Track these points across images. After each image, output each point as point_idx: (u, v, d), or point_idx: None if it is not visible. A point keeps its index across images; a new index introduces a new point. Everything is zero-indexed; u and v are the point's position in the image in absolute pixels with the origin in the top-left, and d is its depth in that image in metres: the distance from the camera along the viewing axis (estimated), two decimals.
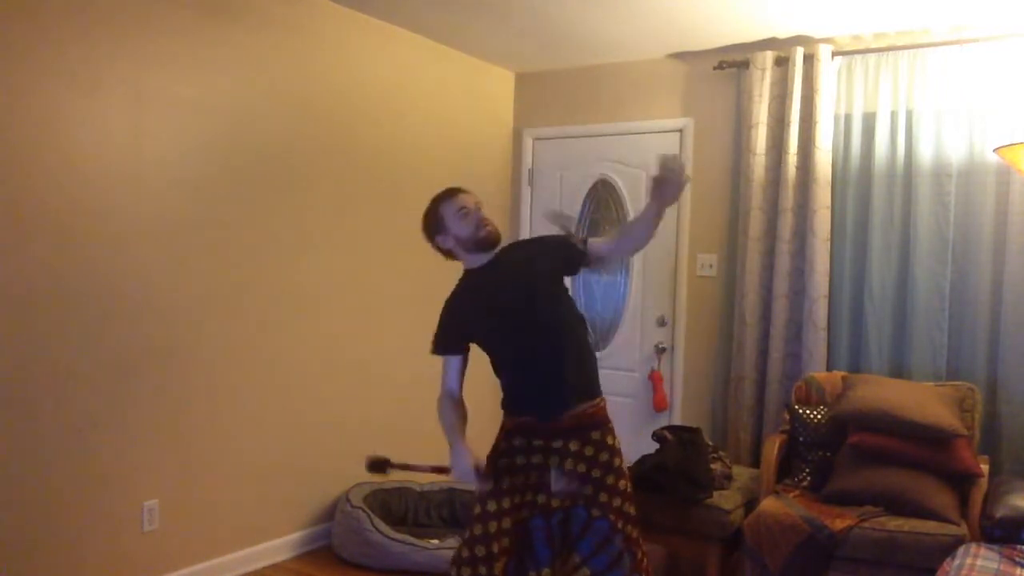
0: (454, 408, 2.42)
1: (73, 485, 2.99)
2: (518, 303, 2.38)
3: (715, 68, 4.36)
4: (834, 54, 4.02)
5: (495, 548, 2.31)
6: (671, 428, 3.75)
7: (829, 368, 4.04)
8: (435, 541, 3.72)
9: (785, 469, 3.64)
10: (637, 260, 4.77)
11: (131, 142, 3.13)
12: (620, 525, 2.38)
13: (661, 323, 4.69)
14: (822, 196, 4.01)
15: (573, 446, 2.37)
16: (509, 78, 5.14)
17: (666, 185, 2.24)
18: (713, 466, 3.56)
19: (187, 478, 3.37)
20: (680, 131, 4.62)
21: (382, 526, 3.68)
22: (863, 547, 2.99)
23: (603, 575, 2.37)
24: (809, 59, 4.06)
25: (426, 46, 4.45)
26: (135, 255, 3.15)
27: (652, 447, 3.71)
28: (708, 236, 4.52)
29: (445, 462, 2.42)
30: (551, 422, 2.37)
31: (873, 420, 3.34)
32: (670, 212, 4.55)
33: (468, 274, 2.49)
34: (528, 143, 5.13)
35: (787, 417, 3.71)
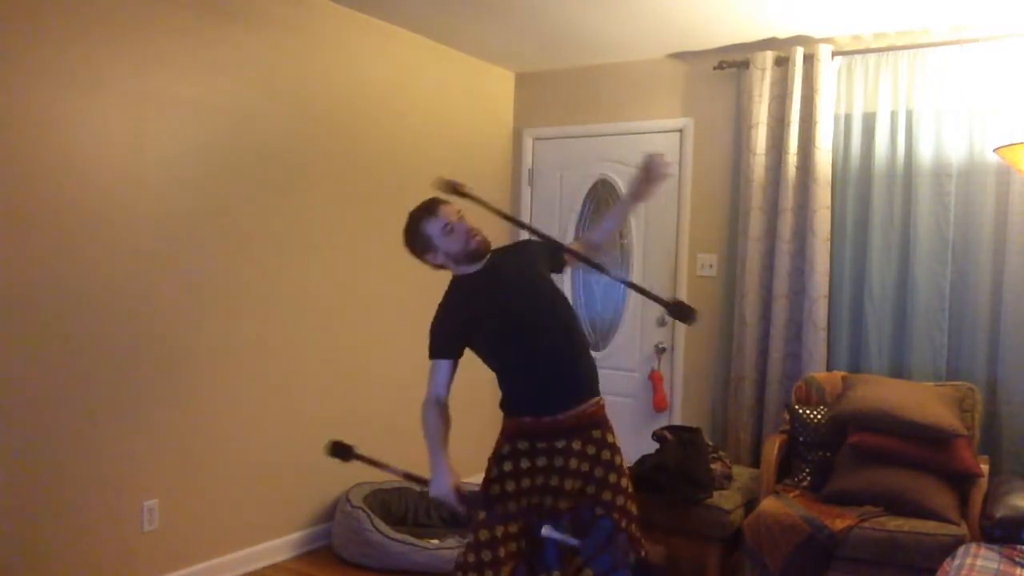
0: (440, 415, 2.37)
1: (73, 485, 2.99)
2: (519, 306, 2.38)
3: (715, 68, 4.36)
4: (834, 54, 4.02)
5: (502, 553, 2.30)
6: (671, 428, 3.75)
7: (829, 368, 4.04)
8: (435, 541, 3.72)
9: (785, 469, 3.64)
10: (637, 260, 4.77)
11: (131, 142, 3.13)
12: (624, 524, 2.38)
13: (661, 323, 4.69)
14: (822, 196, 4.01)
15: (576, 445, 2.37)
16: (509, 78, 5.14)
17: (650, 182, 2.45)
18: (713, 466, 3.57)
19: (187, 478, 3.37)
20: (680, 131, 4.62)
21: (382, 526, 3.68)
22: (863, 547, 3.00)
23: (607, 574, 2.37)
24: (809, 59, 4.06)
25: (426, 46, 4.45)
26: (135, 255, 3.15)
27: (652, 447, 3.71)
28: (708, 236, 4.52)
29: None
30: (553, 422, 2.37)
31: (873, 420, 3.34)
32: (670, 212, 4.62)
33: (460, 279, 2.47)
34: (528, 143, 5.13)
35: (787, 417, 3.71)
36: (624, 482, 2.42)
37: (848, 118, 4.04)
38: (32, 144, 2.83)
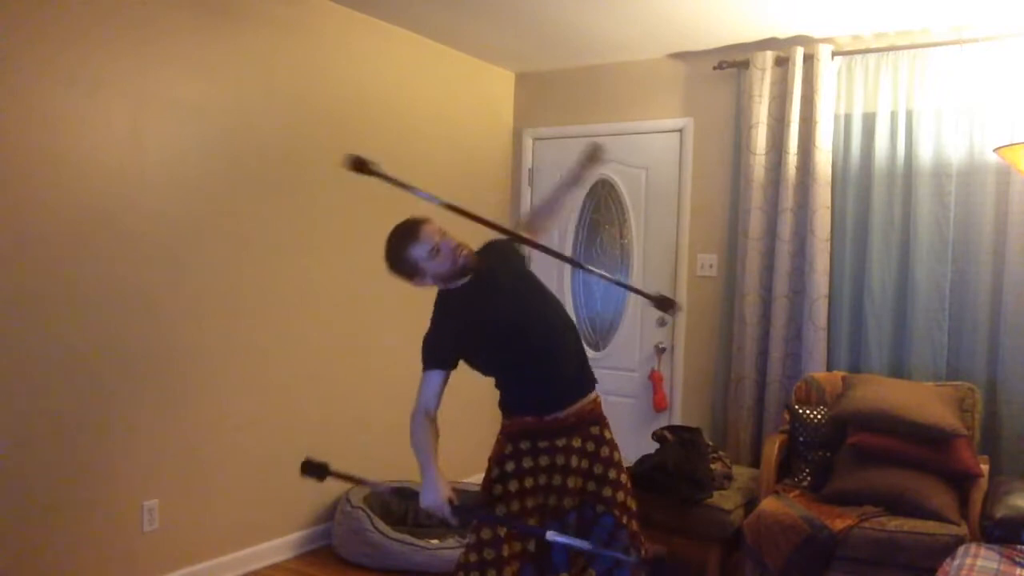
0: (429, 428, 2.31)
1: (73, 485, 2.99)
2: (513, 311, 2.37)
3: (715, 68, 4.36)
4: (834, 54, 4.03)
5: (505, 552, 2.29)
6: (671, 428, 3.75)
7: (829, 368, 4.04)
8: (435, 541, 3.72)
9: (785, 469, 3.64)
10: (637, 260, 4.77)
11: (131, 142, 3.13)
12: (624, 520, 2.39)
13: (661, 323, 4.69)
14: (822, 196, 4.01)
15: (576, 443, 2.38)
16: (509, 78, 5.14)
17: (589, 168, 2.65)
18: (713, 466, 3.57)
19: (187, 478, 3.37)
20: (680, 131, 4.62)
21: (382, 526, 3.68)
22: (863, 547, 3.00)
23: (609, 573, 2.37)
24: (809, 59, 4.06)
25: (426, 46, 4.45)
26: (135, 255, 3.15)
27: (652, 447, 3.71)
28: (708, 236, 4.52)
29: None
30: (555, 420, 2.37)
31: (873, 420, 3.34)
32: (670, 212, 4.62)
33: (449, 292, 2.41)
34: (528, 143, 5.13)
35: (787, 417, 3.71)
36: (623, 477, 2.43)
37: (848, 118, 4.04)
38: (32, 144, 2.83)
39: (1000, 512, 2.96)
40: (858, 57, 4.00)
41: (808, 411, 3.64)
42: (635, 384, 4.76)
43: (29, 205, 2.83)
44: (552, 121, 5.04)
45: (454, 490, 2.26)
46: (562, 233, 4.98)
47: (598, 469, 2.39)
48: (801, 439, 3.61)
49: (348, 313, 4.05)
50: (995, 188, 3.71)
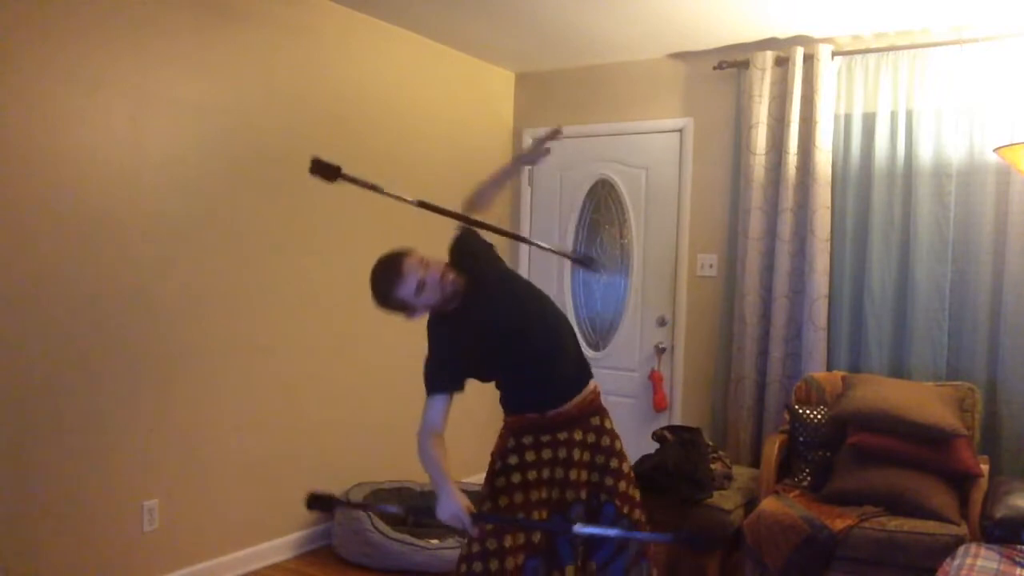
0: (438, 445, 2.27)
1: (73, 485, 2.99)
2: (513, 315, 2.36)
3: (715, 68, 4.36)
4: (834, 54, 4.03)
5: (508, 543, 2.29)
6: (671, 428, 3.75)
7: (829, 368, 4.04)
8: (435, 541, 3.72)
9: (785, 469, 3.64)
10: (637, 260, 4.77)
11: (131, 142, 3.13)
12: (626, 510, 2.39)
13: (661, 323, 4.69)
14: (822, 196, 4.01)
15: (577, 435, 2.38)
16: (509, 78, 5.14)
17: (542, 151, 2.55)
18: (713, 466, 3.57)
19: (187, 478, 3.37)
20: (680, 131, 4.62)
21: (382, 526, 3.68)
22: (863, 547, 3.00)
23: (609, 563, 2.37)
24: (809, 59, 4.06)
25: (426, 46, 4.45)
26: (134, 255, 3.15)
27: (652, 447, 3.71)
28: (708, 236, 4.52)
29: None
30: (557, 414, 2.37)
31: (873, 420, 3.34)
32: (670, 212, 4.61)
33: (442, 315, 2.36)
34: (528, 143, 5.13)
35: (787, 417, 3.71)
36: (625, 467, 2.44)
37: (848, 118, 4.04)
38: (32, 144, 2.83)
39: (1000, 512, 2.96)
40: (858, 57, 4.00)
41: (808, 411, 3.64)
42: (635, 384, 4.76)
43: (29, 204, 2.83)
44: (552, 121, 5.03)
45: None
46: (562, 233, 4.98)
47: (600, 459, 2.40)
48: (801, 439, 3.61)
49: (348, 313, 4.04)
50: (995, 188, 3.71)
